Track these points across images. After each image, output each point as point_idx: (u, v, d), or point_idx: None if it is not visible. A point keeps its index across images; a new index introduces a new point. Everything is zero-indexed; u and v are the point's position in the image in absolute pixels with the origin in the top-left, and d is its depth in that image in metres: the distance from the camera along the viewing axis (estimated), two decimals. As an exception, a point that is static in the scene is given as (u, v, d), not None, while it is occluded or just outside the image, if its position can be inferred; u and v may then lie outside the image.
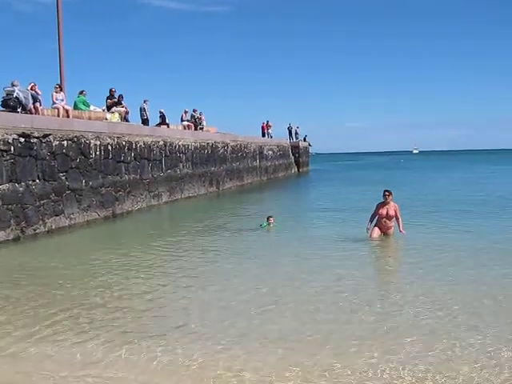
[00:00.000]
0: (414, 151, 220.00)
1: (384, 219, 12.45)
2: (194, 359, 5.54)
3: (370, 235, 12.44)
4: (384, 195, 12.53)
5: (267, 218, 14.97)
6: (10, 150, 13.72)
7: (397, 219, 12.48)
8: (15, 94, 16.25)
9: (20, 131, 14.19)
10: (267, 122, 47.81)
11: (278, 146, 47.17)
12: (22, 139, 14.23)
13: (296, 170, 52.94)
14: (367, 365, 5.30)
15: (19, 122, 14.50)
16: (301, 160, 54.23)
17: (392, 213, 12.41)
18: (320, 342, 5.99)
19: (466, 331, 6.22)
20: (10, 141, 13.75)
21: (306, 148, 57.91)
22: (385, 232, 12.52)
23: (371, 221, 12.67)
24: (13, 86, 16.52)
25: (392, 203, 12.52)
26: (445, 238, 12.72)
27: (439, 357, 5.47)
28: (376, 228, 12.53)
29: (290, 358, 5.54)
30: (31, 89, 17.90)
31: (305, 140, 57.71)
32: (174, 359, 5.56)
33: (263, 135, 46.51)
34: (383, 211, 12.44)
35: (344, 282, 8.66)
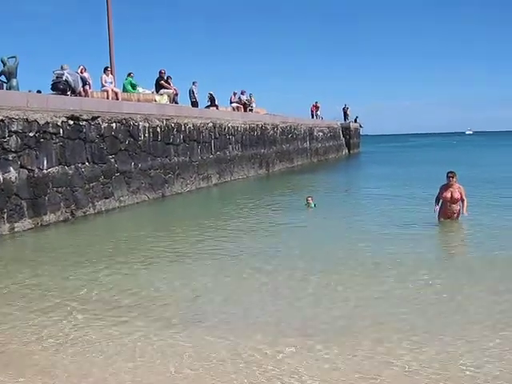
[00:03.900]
0: (468, 132, 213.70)
1: (448, 203, 11.56)
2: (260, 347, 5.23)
3: (438, 218, 11.74)
4: (448, 177, 11.52)
5: (306, 199, 15.03)
6: (59, 133, 13.68)
7: (462, 201, 11.54)
8: (64, 77, 16.27)
9: (69, 114, 14.14)
10: (315, 102, 47.01)
11: (328, 128, 46.36)
12: (71, 122, 14.18)
13: (347, 151, 52.00)
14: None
15: (68, 104, 14.45)
16: (352, 142, 53.18)
17: (457, 195, 11.46)
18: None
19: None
20: (59, 123, 13.71)
21: (356, 129, 56.74)
22: (450, 216, 11.65)
23: (437, 203, 11.79)
24: (62, 69, 16.56)
25: (456, 185, 11.52)
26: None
27: None
28: (441, 212, 11.73)
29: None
30: (80, 72, 17.92)
31: (356, 121, 56.59)
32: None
33: (312, 117, 45.79)
34: (447, 194, 11.51)
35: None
